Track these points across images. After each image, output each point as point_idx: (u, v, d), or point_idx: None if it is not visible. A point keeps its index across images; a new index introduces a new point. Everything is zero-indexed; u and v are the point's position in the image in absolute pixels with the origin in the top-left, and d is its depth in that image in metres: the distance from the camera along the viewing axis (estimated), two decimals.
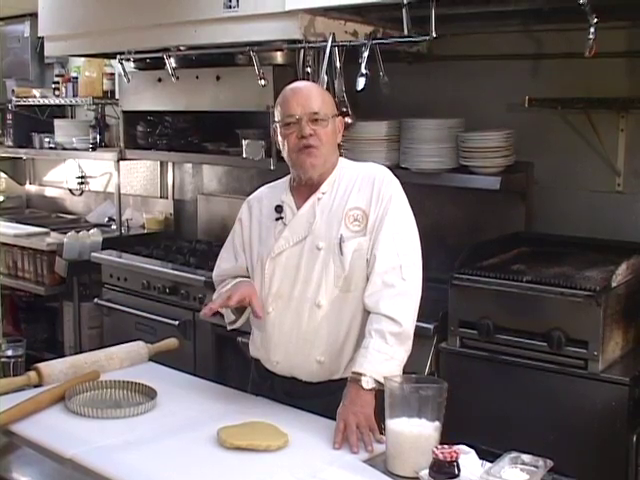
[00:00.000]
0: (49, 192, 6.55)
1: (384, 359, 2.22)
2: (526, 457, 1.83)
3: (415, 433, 1.93)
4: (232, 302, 2.30)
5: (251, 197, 2.60)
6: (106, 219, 5.71)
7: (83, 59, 5.34)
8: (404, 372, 2.23)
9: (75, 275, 4.95)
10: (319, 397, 2.36)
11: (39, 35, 4.76)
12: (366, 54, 3.26)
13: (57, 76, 5.72)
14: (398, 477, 1.93)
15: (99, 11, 4.20)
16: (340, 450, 2.08)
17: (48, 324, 5.50)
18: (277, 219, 2.44)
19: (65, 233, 5.10)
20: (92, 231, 5.15)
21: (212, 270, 2.67)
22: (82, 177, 6.12)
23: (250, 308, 2.38)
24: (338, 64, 3.35)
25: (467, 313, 3.08)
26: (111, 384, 2.47)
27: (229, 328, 2.53)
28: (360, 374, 2.20)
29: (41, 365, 2.54)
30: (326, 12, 3.32)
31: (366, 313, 2.34)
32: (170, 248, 4.76)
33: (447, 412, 1.95)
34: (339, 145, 2.54)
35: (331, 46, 3.31)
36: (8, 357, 2.58)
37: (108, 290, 4.68)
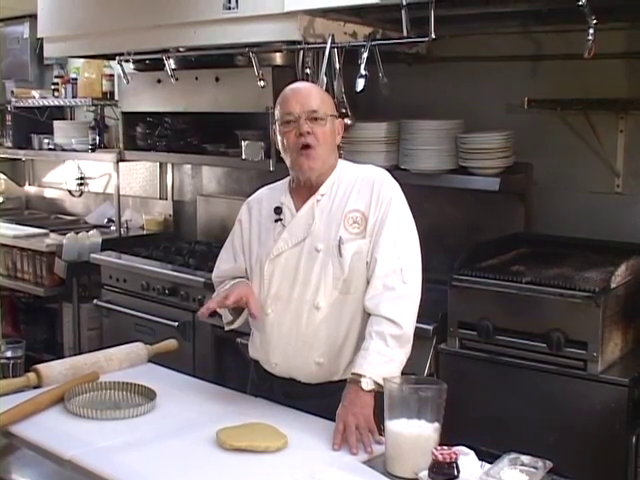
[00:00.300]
0: (48, 193, 6.55)
1: (384, 361, 2.22)
2: (525, 458, 1.83)
3: (414, 434, 1.93)
4: (229, 302, 2.31)
5: (251, 198, 2.60)
6: (105, 220, 5.71)
7: (82, 60, 5.33)
8: (403, 373, 2.23)
9: (74, 276, 4.95)
10: (318, 398, 2.36)
11: (38, 36, 4.76)
12: (365, 55, 3.26)
13: (56, 77, 5.72)
14: (397, 478, 1.93)
15: (98, 12, 4.20)
16: (339, 451, 2.08)
17: (47, 325, 5.50)
18: (276, 220, 2.44)
19: (64, 234, 5.10)
20: (91, 232, 5.15)
21: (211, 271, 2.68)
22: (81, 178, 6.12)
23: (246, 311, 2.38)
24: (337, 65, 3.35)
25: (466, 314, 3.08)
26: (110, 385, 2.46)
27: (227, 329, 2.54)
28: (360, 375, 2.20)
29: (40, 366, 2.54)
30: (325, 13, 3.32)
31: (365, 315, 2.35)
32: (169, 249, 4.76)
33: (446, 413, 1.95)
34: (338, 147, 2.54)
35: (330, 47, 3.31)
36: (7, 358, 2.58)
37: (107, 291, 4.68)
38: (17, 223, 5.74)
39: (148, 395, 2.40)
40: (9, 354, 2.59)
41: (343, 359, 2.37)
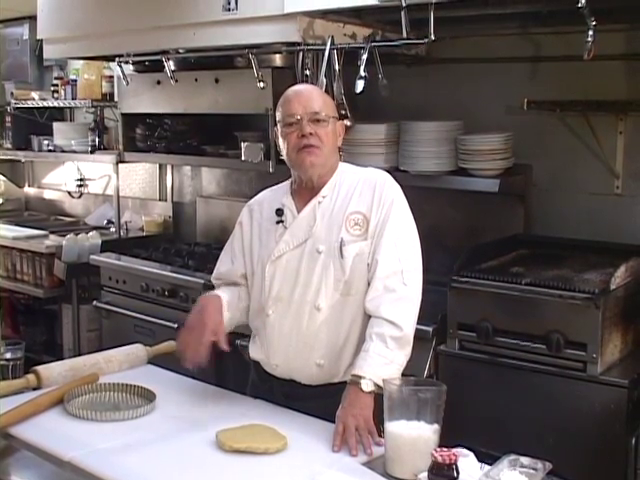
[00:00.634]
0: (48, 194, 6.55)
1: (384, 363, 2.22)
2: (525, 460, 1.83)
3: (414, 436, 1.93)
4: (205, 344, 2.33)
5: (252, 201, 2.61)
6: (105, 222, 5.71)
7: (82, 62, 5.33)
8: (403, 375, 2.23)
9: (74, 278, 4.95)
10: (318, 400, 2.36)
11: (38, 38, 4.76)
12: (365, 57, 3.26)
13: (56, 79, 5.72)
14: None
15: (98, 14, 4.20)
16: (339, 453, 2.08)
17: (47, 327, 5.50)
18: (278, 222, 2.45)
19: (64, 236, 5.09)
20: (91, 234, 5.15)
21: (211, 273, 2.69)
22: (81, 180, 6.12)
23: (225, 320, 2.43)
24: (337, 67, 3.36)
25: (466, 316, 3.08)
26: (110, 387, 2.46)
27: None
28: (360, 377, 2.20)
29: (40, 368, 2.54)
30: (325, 15, 3.32)
31: (366, 317, 2.35)
32: (169, 251, 4.76)
33: (446, 415, 1.95)
34: (339, 149, 2.54)
35: (330, 49, 3.31)
36: (7, 360, 2.58)
37: (107, 293, 4.68)
38: (17, 224, 5.74)
39: (148, 396, 2.40)
40: (8, 355, 2.59)
41: (343, 361, 2.37)
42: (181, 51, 4.01)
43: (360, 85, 3.26)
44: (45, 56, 4.77)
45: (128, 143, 4.81)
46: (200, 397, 2.50)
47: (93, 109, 5.53)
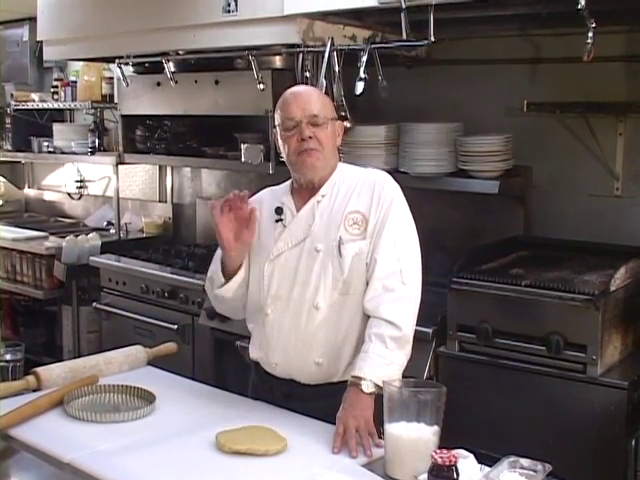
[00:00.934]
0: (48, 196, 6.55)
1: (384, 363, 2.22)
2: (525, 461, 1.83)
3: (414, 437, 1.93)
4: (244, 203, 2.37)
5: (252, 199, 2.60)
6: (105, 223, 5.71)
7: (82, 63, 5.34)
8: (403, 376, 2.23)
9: (74, 279, 4.95)
10: (318, 399, 2.36)
11: (38, 39, 4.76)
12: (365, 58, 3.26)
13: (56, 80, 5.73)
14: None
15: (98, 15, 4.20)
16: (339, 454, 2.08)
17: (47, 328, 5.50)
18: (277, 221, 2.45)
19: (64, 237, 5.09)
20: (91, 235, 5.15)
21: None
22: (81, 181, 6.13)
23: (239, 275, 2.43)
24: (337, 68, 3.36)
25: (466, 317, 3.08)
26: (110, 388, 2.46)
27: (217, 292, 2.51)
28: (360, 378, 2.20)
29: (40, 369, 2.54)
30: (325, 16, 3.32)
31: (365, 316, 2.35)
32: (169, 252, 4.76)
33: (446, 416, 1.95)
34: (338, 149, 2.54)
35: (330, 50, 3.31)
36: (7, 361, 2.57)
37: (107, 294, 4.68)
38: (16, 226, 5.74)
39: (147, 398, 2.40)
40: (8, 357, 2.58)
41: (342, 360, 2.38)
42: (181, 53, 4.02)
43: (360, 87, 3.26)
44: (45, 57, 4.78)
45: (128, 144, 4.81)
46: (200, 399, 2.50)
47: (93, 110, 5.53)
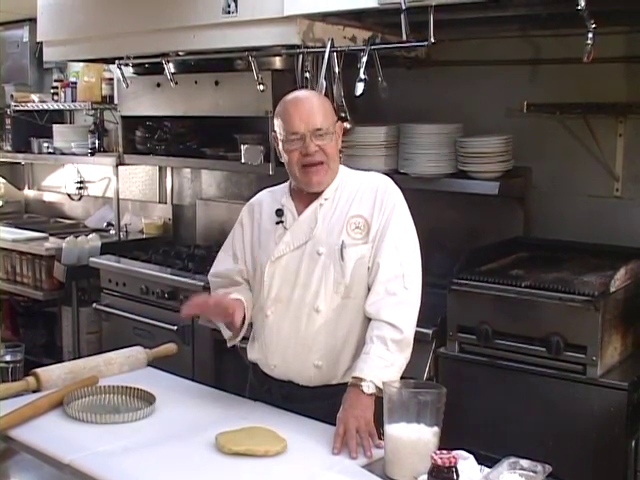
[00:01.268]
0: (48, 197, 6.55)
1: (384, 365, 2.23)
2: (525, 462, 1.83)
3: (414, 438, 1.93)
4: (210, 304, 2.36)
5: (252, 201, 2.61)
6: (105, 224, 5.71)
7: (82, 64, 5.34)
8: (403, 377, 2.23)
9: (74, 280, 4.95)
10: (316, 401, 2.36)
11: (38, 40, 4.77)
12: (365, 59, 3.26)
13: (56, 81, 5.73)
14: None
15: (98, 16, 4.20)
16: (339, 455, 2.08)
17: (47, 329, 5.50)
18: (277, 223, 2.45)
19: (64, 238, 5.09)
20: (91, 236, 5.15)
21: None
22: (81, 182, 6.13)
23: (245, 326, 2.41)
24: (337, 69, 3.36)
25: (466, 318, 3.08)
26: (110, 389, 2.46)
27: (229, 344, 2.53)
28: (361, 379, 2.20)
29: (39, 370, 2.54)
30: (325, 17, 3.32)
31: (365, 320, 2.35)
32: (169, 253, 4.76)
33: (446, 417, 1.95)
34: (339, 151, 2.54)
35: (330, 51, 3.31)
36: (7, 362, 2.57)
37: (107, 295, 4.68)
38: (16, 227, 5.75)
39: (147, 399, 2.40)
40: (8, 358, 2.58)
41: (342, 363, 2.37)
42: (181, 54, 4.02)
43: (360, 88, 3.26)
44: (45, 58, 4.78)
45: (128, 145, 4.81)
46: (200, 399, 2.50)
47: (93, 111, 5.53)
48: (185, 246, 5.01)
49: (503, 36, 3.53)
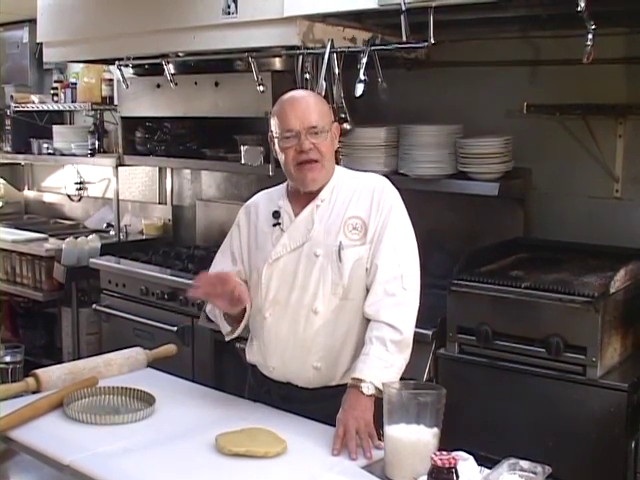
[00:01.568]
0: (47, 198, 6.55)
1: (384, 366, 2.23)
2: (524, 463, 1.83)
3: (413, 439, 1.93)
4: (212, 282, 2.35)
5: (248, 202, 2.61)
6: (105, 225, 5.71)
7: (82, 65, 5.34)
8: (402, 378, 2.23)
9: (73, 281, 4.95)
10: (315, 402, 2.36)
11: (38, 41, 4.77)
12: (364, 60, 3.26)
13: (56, 82, 5.73)
14: None
15: (98, 17, 4.20)
16: (338, 456, 2.08)
17: (46, 330, 5.50)
18: (274, 225, 2.44)
19: (63, 239, 5.10)
20: (90, 237, 5.15)
21: None
22: (80, 183, 6.13)
23: (246, 318, 2.40)
24: (336, 70, 3.36)
25: (465, 319, 3.08)
26: (109, 390, 2.46)
27: (227, 339, 2.53)
28: (360, 380, 2.20)
29: (39, 371, 2.54)
30: (325, 18, 3.32)
31: (364, 321, 2.35)
32: (169, 254, 4.76)
33: (445, 418, 1.95)
34: (336, 152, 2.54)
35: (329, 52, 3.31)
36: (6, 363, 2.57)
37: (106, 296, 4.68)
38: (16, 228, 5.75)
39: (147, 400, 2.40)
40: (8, 359, 2.58)
41: (340, 365, 2.37)
42: (181, 54, 4.02)
43: (360, 89, 3.26)
44: (45, 59, 4.77)
45: (128, 146, 4.81)
46: (200, 401, 2.50)
47: (93, 112, 5.54)
48: (185, 247, 5.01)
49: (503, 37, 3.53)
